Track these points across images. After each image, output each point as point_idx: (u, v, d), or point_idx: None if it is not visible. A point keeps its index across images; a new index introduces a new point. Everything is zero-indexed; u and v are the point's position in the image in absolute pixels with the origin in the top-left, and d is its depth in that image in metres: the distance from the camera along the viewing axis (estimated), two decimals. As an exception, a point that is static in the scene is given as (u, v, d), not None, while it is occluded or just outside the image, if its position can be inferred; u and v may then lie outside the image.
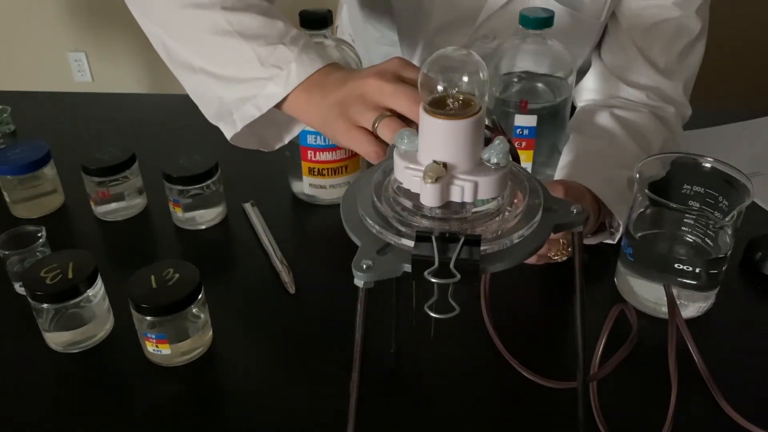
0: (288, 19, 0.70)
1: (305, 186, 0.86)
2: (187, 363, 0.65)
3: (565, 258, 0.69)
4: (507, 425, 0.60)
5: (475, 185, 0.41)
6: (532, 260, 0.68)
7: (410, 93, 0.57)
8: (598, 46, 0.92)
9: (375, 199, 0.44)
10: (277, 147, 0.76)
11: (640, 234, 0.69)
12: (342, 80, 0.63)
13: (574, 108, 0.90)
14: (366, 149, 0.59)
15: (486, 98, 0.43)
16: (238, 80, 0.68)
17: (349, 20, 1.10)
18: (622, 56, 0.87)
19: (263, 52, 0.66)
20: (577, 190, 0.73)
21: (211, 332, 0.68)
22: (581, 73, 0.94)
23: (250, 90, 0.67)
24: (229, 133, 0.71)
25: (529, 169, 0.83)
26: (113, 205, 0.85)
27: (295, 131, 0.75)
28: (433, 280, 0.39)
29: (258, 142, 0.74)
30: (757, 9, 2.29)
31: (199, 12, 0.68)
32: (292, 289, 0.74)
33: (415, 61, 1.01)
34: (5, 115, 1.01)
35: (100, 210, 0.85)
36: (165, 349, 0.64)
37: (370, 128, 0.59)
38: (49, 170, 0.86)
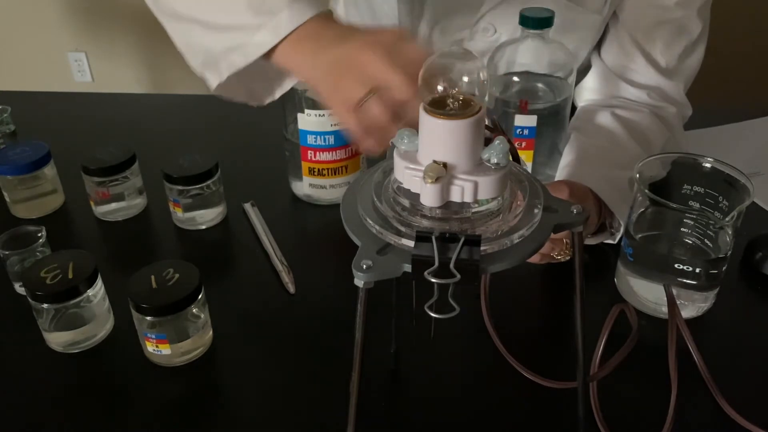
0: None
1: (305, 186, 0.87)
2: (187, 363, 0.65)
3: (567, 257, 0.69)
4: (507, 425, 0.60)
5: (475, 185, 0.41)
6: (534, 259, 0.68)
7: (401, 76, 0.54)
8: (599, 45, 0.92)
9: (375, 199, 0.44)
10: (267, 101, 0.73)
11: (640, 234, 0.69)
12: (336, 39, 0.60)
13: (574, 108, 0.90)
14: (357, 129, 0.58)
15: (486, 98, 0.43)
16: (227, 28, 0.65)
17: (345, 13, 1.10)
18: (623, 56, 0.87)
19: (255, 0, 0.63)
20: (581, 190, 0.73)
21: (211, 332, 0.68)
22: (581, 72, 0.94)
23: (238, 38, 0.64)
24: (213, 82, 0.68)
25: (529, 169, 0.83)
26: (113, 205, 0.85)
27: (287, 86, 0.72)
28: (433, 280, 0.39)
29: (247, 94, 0.72)
30: (757, 9, 2.29)
31: None
32: (292, 289, 0.74)
33: None
34: (5, 115, 1.01)
35: (100, 210, 0.86)
36: (165, 349, 0.64)
37: (358, 104, 0.57)
38: (49, 170, 0.86)
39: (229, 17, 0.65)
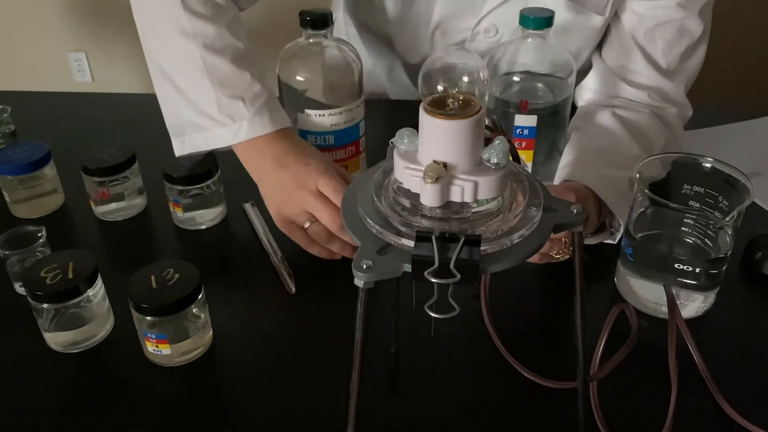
0: (258, 65, 0.77)
1: (305, 186, 0.86)
2: (187, 363, 0.65)
3: (567, 257, 0.69)
4: (507, 425, 0.60)
5: (475, 185, 0.41)
6: (534, 259, 0.69)
7: (327, 210, 0.70)
8: (600, 46, 0.92)
9: (375, 199, 0.44)
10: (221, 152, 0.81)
11: (640, 234, 0.69)
12: (279, 165, 0.73)
13: (574, 108, 0.90)
14: (302, 243, 0.74)
15: (486, 98, 0.43)
16: (198, 110, 0.75)
17: (343, 15, 1.10)
18: (624, 56, 0.87)
19: (224, 100, 0.74)
20: (582, 192, 0.73)
21: (211, 332, 0.68)
22: (583, 73, 0.94)
23: (205, 123, 0.75)
24: (178, 152, 0.79)
25: (529, 169, 0.83)
26: (113, 205, 0.85)
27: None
28: (433, 280, 0.39)
29: (208, 152, 0.81)
30: (757, 9, 2.29)
31: (182, 39, 0.74)
32: (292, 289, 0.74)
33: (416, 54, 1.01)
34: (5, 115, 1.01)
35: (100, 210, 0.85)
36: (165, 349, 0.64)
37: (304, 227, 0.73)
38: (49, 170, 0.86)
39: (201, 103, 0.75)
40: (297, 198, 0.71)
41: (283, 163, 0.73)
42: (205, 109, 0.74)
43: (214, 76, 0.74)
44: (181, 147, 0.79)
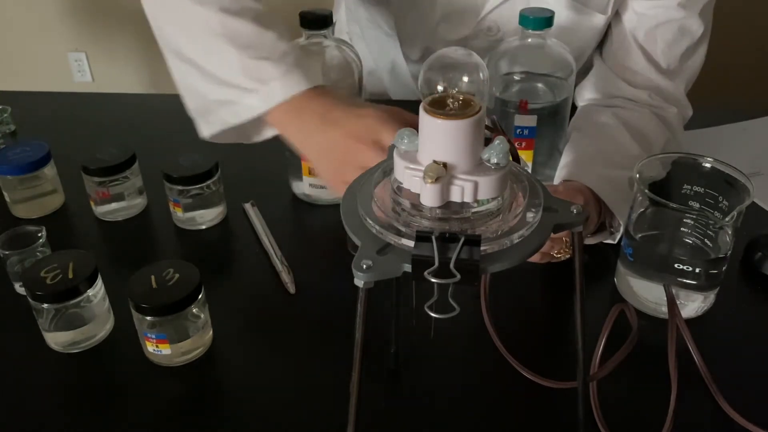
0: (281, 26, 0.70)
1: (305, 186, 0.86)
2: (187, 363, 0.65)
3: (567, 256, 0.69)
4: (507, 425, 0.60)
5: (475, 185, 0.41)
6: (534, 258, 0.68)
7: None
8: (600, 45, 0.92)
9: (375, 199, 0.44)
10: (256, 140, 0.76)
11: (640, 234, 0.69)
12: (326, 121, 0.64)
13: (574, 108, 0.90)
14: None
15: (486, 98, 0.43)
16: (223, 82, 0.68)
17: (345, 12, 1.10)
18: (624, 56, 0.87)
19: (250, 63, 0.67)
20: (582, 192, 0.73)
21: (211, 332, 0.68)
22: (584, 73, 0.94)
23: (232, 95, 0.68)
24: (205, 132, 0.73)
25: (529, 169, 0.83)
26: (113, 205, 0.85)
27: (274, 131, 0.74)
28: (433, 280, 0.39)
29: (237, 136, 0.74)
30: (757, 9, 2.29)
31: (197, 7, 0.68)
32: (292, 289, 0.74)
33: (416, 50, 1.01)
34: (5, 115, 1.01)
35: (100, 210, 0.85)
36: (165, 349, 0.64)
37: None
38: (49, 170, 0.86)
39: (226, 74, 0.68)
40: (358, 157, 0.61)
41: (332, 120, 0.64)
42: (230, 80, 0.68)
43: (236, 40, 0.67)
44: (208, 126, 0.72)
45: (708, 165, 0.69)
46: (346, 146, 0.62)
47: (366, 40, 1.07)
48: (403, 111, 0.63)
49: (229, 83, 0.68)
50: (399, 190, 0.43)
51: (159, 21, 0.73)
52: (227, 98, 0.69)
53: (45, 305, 0.64)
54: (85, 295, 0.65)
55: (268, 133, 0.74)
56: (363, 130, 0.62)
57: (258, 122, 0.71)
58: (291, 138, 0.69)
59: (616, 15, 0.88)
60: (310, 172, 0.85)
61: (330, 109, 0.65)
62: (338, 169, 0.64)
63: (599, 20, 0.87)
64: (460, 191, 0.41)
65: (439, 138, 0.41)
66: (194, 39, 0.70)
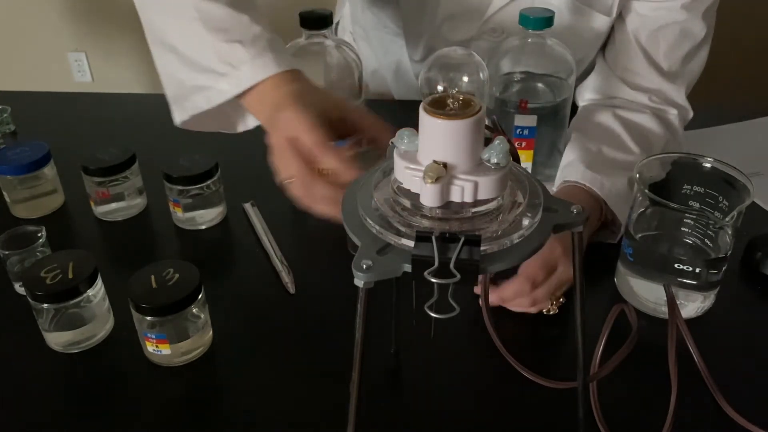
0: (258, 11, 0.70)
1: (305, 186, 0.86)
2: (187, 363, 0.65)
3: (556, 311, 0.70)
4: (507, 425, 0.60)
5: (475, 185, 0.41)
6: (531, 310, 0.70)
7: (336, 163, 0.56)
8: (603, 46, 0.92)
9: (375, 199, 0.44)
10: (241, 130, 0.75)
11: (640, 234, 0.69)
12: (275, 108, 0.62)
13: (575, 108, 0.90)
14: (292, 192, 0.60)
15: (486, 98, 0.43)
16: (199, 67, 0.68)
17: (350, 11, 1.10)
18: (626, 58, 0.87)
19: (222, 47, 0.66)
20: (583, 192, 0.73)
21: (211, 332, 0.68)
22: (587, 73, 0.94)
23: (206, 80, 0.68)
24: (178, 118, 0.72)
25: (529, 169, 0.83)
26: (113, 205, 0.85)
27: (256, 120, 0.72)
28: (433, 280, 0.39)
29: (218, 123, 0.74)
30: (757, 9, 2.29)
31: None
32: (292, 289, 0.74)
33: (420, 51, 1.01)
34: (5, 115, 1.01)
35: (100, 210, 0.85)
36: (165, 349, 0.64)
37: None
38: (49, 170, 0.86)
39: (201, 58, 0.68)
40: (275, 135, 0.60)
41: (280, 106, 0.62)
42: (205, 63, 0.67)
43: (210, 23, 0.67)
44: (181, 112, 0.71)
45: (708, 165, 0.69)
46: (272, 132, 0.61)
47: (370, 41, 1.07)
48: (298, 142, 0.59)
49: (205, 68, 0.68)
50: (399, 190, 0.43)
51: (145, 9, 0.73)
52: (201, 83, 0.68)
53: (45, 305, 0.64)
54: (85, 295, 0.65)
55: (251, 122, 0.73)
56: (287, 124, 0.60)
57: (239, 108, 0.71)
58: (258, 116, 0.67)
59: (619, 16, 0.88)
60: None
61: (284, 97, 0.63)
62: (270, 150, 0.62)
63: (603, 22, 0.87)
64: (460, 191, 0.41)
65: (439, 138, 0.41)
66: (174, 25, 0.70)
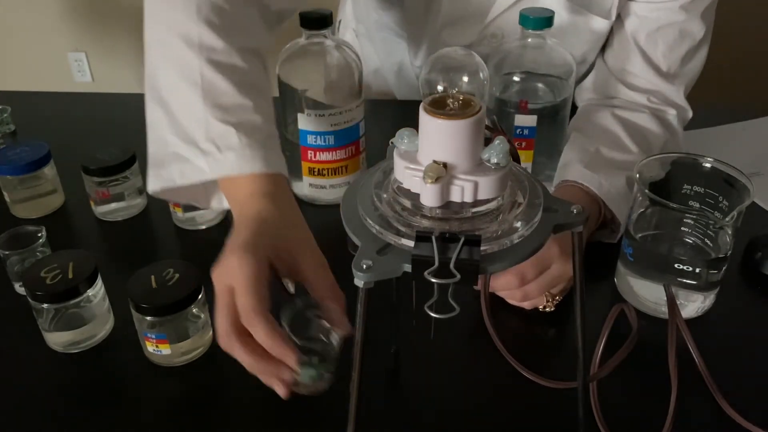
0: (265, 99, 0.65)
1: (305, 186, 0.86)
2: (187, 363, 0.65)
3: (552, 308, 0.70)
4: (507, 425, 0.60)
5: (475, 185, 0.41)
6: (525, 305, 0.70)
7: (222, 324, 0.52)
8: (603, 48, 0.92)
9: (375, 199, 0.44)
10: (215, 207, 0.70)
11: (640, 234, 0.69)
12: (237, 227, 0.57)
13: (575, 108, 0.90)
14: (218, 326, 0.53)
15: (486, 98, 0.43)
16: (183, 135, 0.63)
17: (353, 11, 1.10)
18: (625, 58, 0.87)
19: (214, 126, 0.61)
20: (582, 192, 0.73)
21: (211, 332, 0.68)
22: (586, 75, 0.94)
23: (187, 152, 0.62)
24: (150, 186, 0.66)
25: (529, 169, 0.83)
26: (113, 205, 0.85)
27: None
28: (433, 280, 0.39)
29: (191, 196, 0.69)
30: (757, 9, 2.29)
31: (185, 48, 0.64)
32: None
33: (421, 55, 1.01)
34: (5, 115, 1.01)
35: (100, 210, 0.85)
36: (165, 349, 0.64)
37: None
38: (49, 170, 0.86)
39: (188, 126, 0.63)
40: (217, 279, 0.54)
41: (238, 228, 0.56)
42: (192, 134, 0.62)
43: (210, 95, 0.62)
44: (155, 180, 0.65)
45: (708, 165, 0.69)
46: (222, 261, 0.55)
47: (374, 40, 1.06)
48: (247, 289, 0.52)
49: (190, 139, 0.62)
50: (399, 190, 0.43)
51: (149, 55, 0.68)
52: (183, 154, 0.63)
53: (45, 305, 0.64)
54: (85, 295, 0.65)
55: (226, 204, 0.65)
56: (234, 267, 0.53)
57: (214, 185, 0.65)
58: (233, 211, 0.61)
59: (618, 17, 0.88)
60: (310, 172, 0.85)
61: (250, 217, 0.57)
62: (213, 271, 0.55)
63: (602, 25, 0.87)
64: (460, 191, 0.41)
65: (439, 138, 0.41)
66: (173, 80, 0.65)
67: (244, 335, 0.52)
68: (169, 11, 0.66)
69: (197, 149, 0.62)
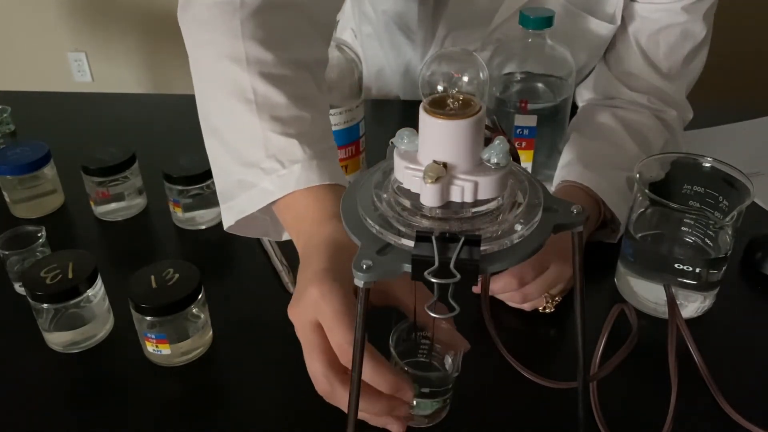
0: (324, 114, 0.62)
1: (305, 186, 0.86)
2: (187, 363, 0.65)
3: (552, 310, 0.70)
4: (507, 425, 0.60)
5: (475, 185, 0.41)
6: (525, 307, 0.69)
7: (317, 357, 0.49)
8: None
9: (375, 199, 0.44)
10: (286, 238, 0.64)
11: (640, 234, 0.69)
12: (306, 255, 0.52)
13: (575, 108, 0.90)
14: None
15: (486, 98, 0.43)
16: (242, 159, 0.59)
17: (358, 12, 1.09)
18: (626, 59, 0.87)
19: (274, 140, 0.57)
20: (582, 192, 0.73)
21: (211, 332, 0.68)
22: (587, 76, 0.93)
23: (250, 175, 0.58)
24: (225, 223, 0.63)
25: (529, 169, 0.83)
26: (113, 205, 0.85)
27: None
28: (433, 280, 0.39)
29: (264, 230, 0.65)
30: (757, 9, 2.29)
31: (232, 65, 0.60)
32: (292, 289, 0.74)
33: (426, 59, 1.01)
34: (5, 115, 1.01)
35: (100, 210, 0.85)
36: (165, 349, 0.64)
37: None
38: (49, 170, 0.86)
39: (245, 148, 0.59)
40: (297, 317, 0.51)
41: (310, 254, 0.52)
42: (251, 157, 0.58)
43: (265, 109, 0.58)
44: (228, 214, 0.62)
45: (708, 165, 0.69)
46: (298, 294, 0.50)
47: (381, 41, 1.06)
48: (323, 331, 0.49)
49: (250, 162, 0.58)
50: (399, 190, 0.43)
51: (198, 87, 0.64)
52: (247, 179, 0.58)
53: (45, 305, 0.64)
54: (84, 295, 0.65)
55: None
56: (309, 298, 0.49)
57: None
58: (291, 233, 0.57)
59: None
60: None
61: (310, 252, 0.52)
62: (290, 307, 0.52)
63: (606, 30, 0.87)
64: (460, 191, 0.41)
65: (439, 138, 0.41)
66: (223, 103, 0.61)
67: (343, 374, 0.47)
68: (212, 34, 0.62)
69: (259, 170, 0.57)
